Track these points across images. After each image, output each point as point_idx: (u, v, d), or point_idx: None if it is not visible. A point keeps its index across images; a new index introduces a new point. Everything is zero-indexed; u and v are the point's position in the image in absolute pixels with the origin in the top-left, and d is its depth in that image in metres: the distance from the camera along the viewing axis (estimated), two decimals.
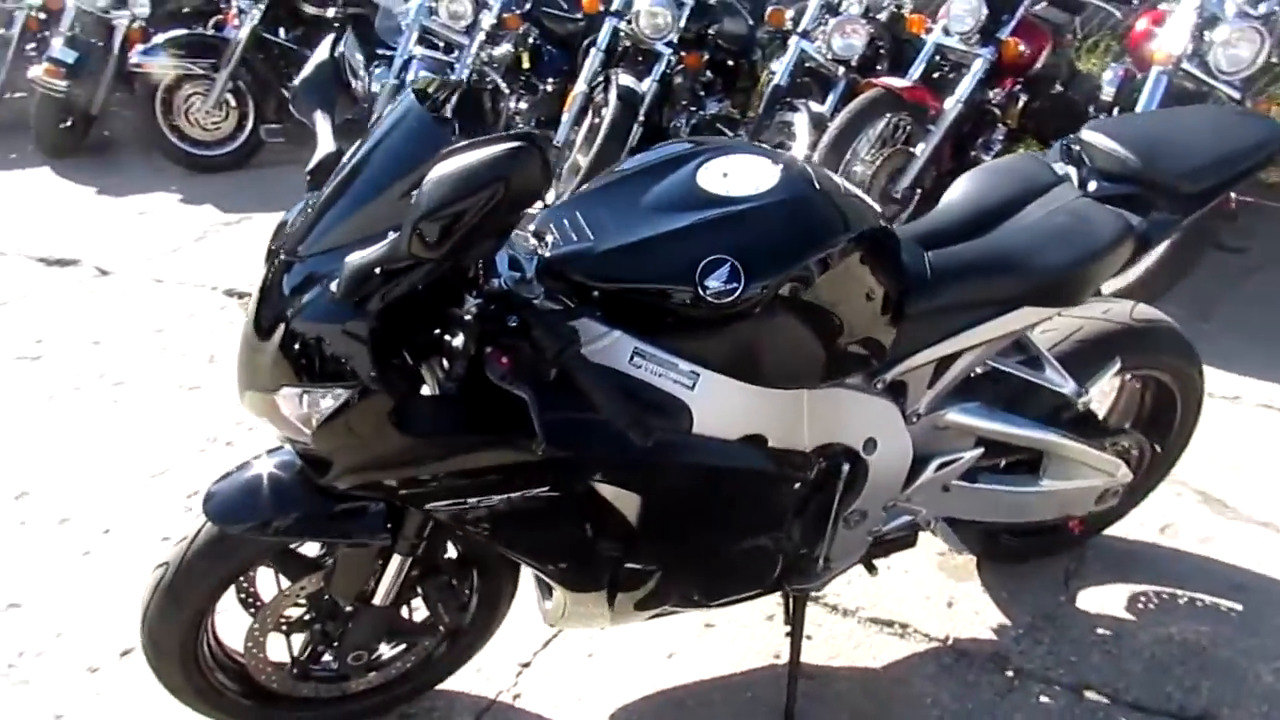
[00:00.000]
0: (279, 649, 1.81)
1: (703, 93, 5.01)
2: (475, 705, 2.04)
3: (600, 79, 4.50)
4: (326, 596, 1.72)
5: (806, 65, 4.37)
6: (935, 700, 2.06)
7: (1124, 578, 2.39)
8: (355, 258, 1.29)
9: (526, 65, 5.25)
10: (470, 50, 4.80)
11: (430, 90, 1.53)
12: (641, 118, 4.42)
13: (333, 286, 1.32)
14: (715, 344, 1.54)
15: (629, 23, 4.45)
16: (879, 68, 4.37)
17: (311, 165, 1.59)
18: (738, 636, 2.21)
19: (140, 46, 5.06)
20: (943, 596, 2.34)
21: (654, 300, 1.49)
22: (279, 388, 1.38)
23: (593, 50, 4.54)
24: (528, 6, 5.05)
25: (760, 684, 2.09)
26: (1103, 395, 2.37)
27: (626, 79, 4.33)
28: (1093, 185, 1.92)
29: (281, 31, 5.38)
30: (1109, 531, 2.48)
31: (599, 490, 1.57)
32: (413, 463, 1.43)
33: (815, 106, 4.13)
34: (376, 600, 1.71)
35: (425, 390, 1.45)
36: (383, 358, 1.34)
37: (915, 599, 2.33)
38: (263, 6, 5.05)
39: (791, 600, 2.01)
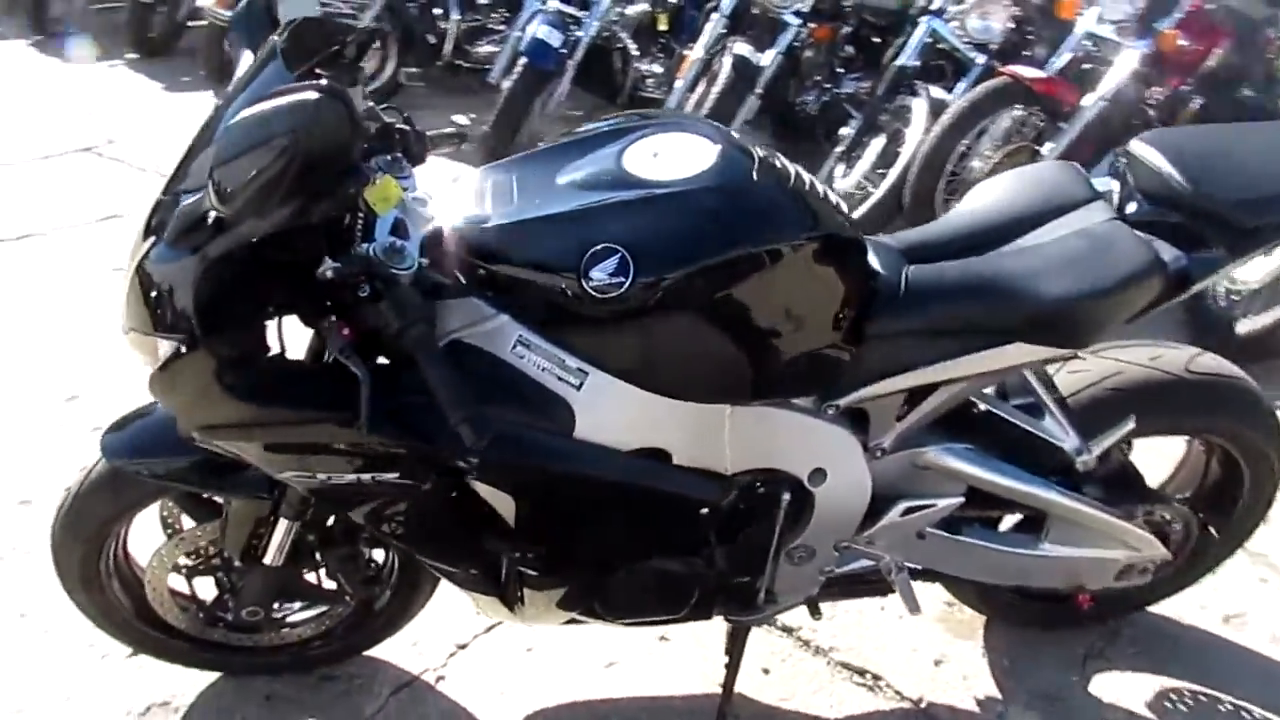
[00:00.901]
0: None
1: (841, 69, 4.71)
2: (397, 679, 1.96)
3: (720, 47, 4.27)
4: (220, 548, 1.67)
5: (939, 48, 3.99)
6: None
7: (1160, 668, 2.06)
8: (188, 203, 1.21)
9: (664, 28, 5.08)
10: (599, 7, 4.67)
11: (330, 32, 1.40)
12: (759, 91, 4.17)
13: None
14: (611, 343, 1.37)
15: None
16: (1027, 55, 3.96)
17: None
18: (690, 657, 2.04)
19: None
20: (932, 652, 2.08)
21: (539, 288, 1.34)
22: (129, 331, 1.32)
23: (714, 15, 4.32)
24: None
25: (697, 712, 1.91)
26: (1165, 458, 2.05)
27: (744, 48, 4.10)
28: (1131, 207, 1.61)
29: None
30: (1159, 609, 2.16)
31: (474, 486, 1.45)
32: (240, 426, 1.34)
33: (936, 92, 3.77)
34: (266, 560, 1.64)
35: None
36: (219, 311, 1.25)
37: (900, 649, 2.09)
38: None
39: (731, 630, 1.83)
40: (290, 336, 1.39)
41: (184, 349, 1.26)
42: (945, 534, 1.74)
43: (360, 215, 1.34)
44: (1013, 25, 3.89)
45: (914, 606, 1.75)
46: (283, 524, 1.60)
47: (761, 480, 1.59)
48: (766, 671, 2.03)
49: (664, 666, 2.02)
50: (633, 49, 4.88)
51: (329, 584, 1.78)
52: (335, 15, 5.13)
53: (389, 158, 1.40)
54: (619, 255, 1.30)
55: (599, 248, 1.30)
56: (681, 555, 1.59)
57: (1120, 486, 1.83)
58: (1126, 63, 3.45)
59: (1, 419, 2.68)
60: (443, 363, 1.23)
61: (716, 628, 2.03)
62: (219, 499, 1.66)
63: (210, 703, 1.90)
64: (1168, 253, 1.53)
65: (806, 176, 1.47)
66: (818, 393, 1.54)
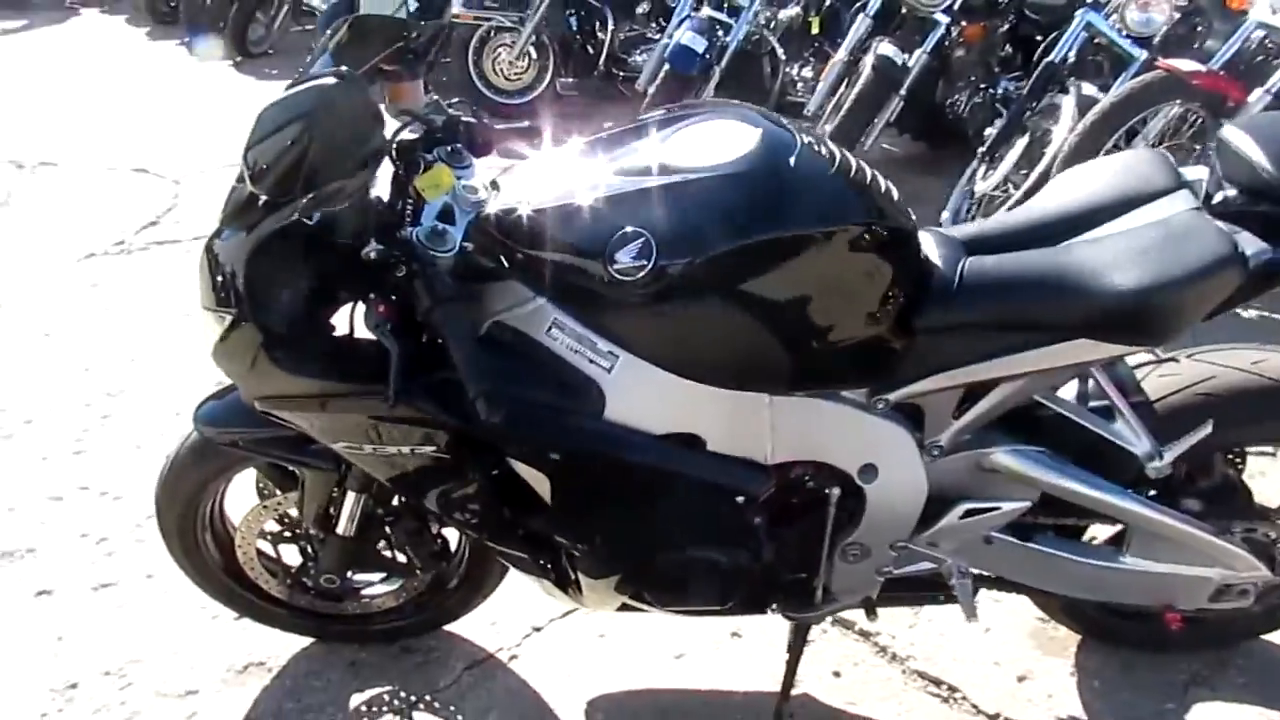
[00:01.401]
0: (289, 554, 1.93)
1: (998, 69, 4.54)
2: (471, 655, 2.04)
3: (865, 48, 4.20)
4: (298, 516, 1.80)
5: (1098, 43, 3.77)
6: None
7: (1271, 702, 1.88)
8: (239, 186, 1.32)
9: (816, 31, 5.04)
10: (747, 13, 4.68)
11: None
12: (904, 92, 4.07)
13: None
14: (640, 326, 1.39)
15: None
16: (1196, 49, 3.69)
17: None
18: (758, 654, 2.02)
19: None
20: (1017, 668, 1.98)
21: (570, 271, 1.38)
22: (202, 307, 1.45)
23: (860, 15, 4.25)
24: None
25: (757, 708, 1.89)
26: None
27: (888, 48, 4.01)
28: (1218, 197, 1.49)
29: None
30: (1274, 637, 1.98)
31: (514, 466, 1.50)
32: (290, 398, 1.44)
33: (1088, 89, 3.55)
34: (339, 530, 1.75)
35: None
36: (267, 287, 1.35)
37: (982, 662, 1.99)
38: None
39: (793, 627, 1.81)
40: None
41: (238, 322, 1.37)
42: (1015, 540, 1.67)
43: (409, 200, 1.42)
44: (1178, 17, 3.64)
45: (971, 613, 1.68)
46: (350, 496, 1.71)
47: (809, 474, 1.58)
48: (838, 675, 1.98)
49: (732, 661, 2.01)
50: (780, 53, 4.86)
51: (401, 558, 1.88)
52: (496, 27, 5.38)
53: (450, 149, 1.48)
54: (643, 239, 1.32)
55: (625, 232, 1.33)
56: (725, 545, 1.59)
57: (1216, 500, 1.70)
58: None
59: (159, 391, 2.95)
60: (468, 340, 1.29)
61: (779, 628, 2.03)
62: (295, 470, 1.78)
63: (300, 665, 2.03)
64: (1252, 245, 1.41)
65: (855, 164, 1.45)
66: (868, 386, 1.51)
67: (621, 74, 5.46)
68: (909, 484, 1.57)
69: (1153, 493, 1.66)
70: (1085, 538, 1.79)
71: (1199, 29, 3.71)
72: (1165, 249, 1.41)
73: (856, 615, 2.09)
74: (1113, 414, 1.57)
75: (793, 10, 4.91)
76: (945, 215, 3.81)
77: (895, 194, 1.47)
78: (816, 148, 1.42)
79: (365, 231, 1.37)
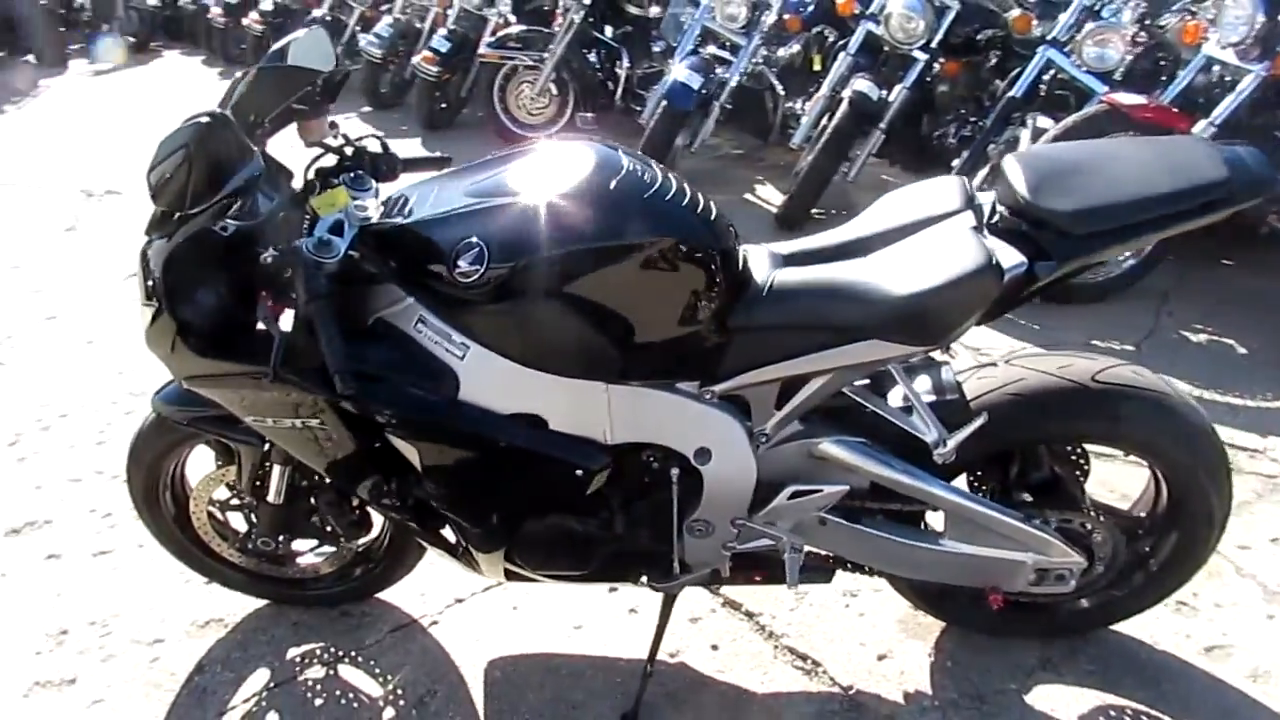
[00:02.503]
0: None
1: (988, 101, 4.70)
2: (398, 620, 2.32)
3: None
4: (237, 486, 2.10)
5: (1060, 78, 3.93)
6: None
7: (1110, 688, 2.04)
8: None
9: (818, 68, 5.26)
10: (746, 51, 4.93)
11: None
12: (884, 125, 4.28)
13: None
14: (484, 322, 1.66)
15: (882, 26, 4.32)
16: (1164, 82, 3.82)
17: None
18: (649, 628, 2.23)
19: (486, 39, 5.86)
20: (880, 647, 2.17)
21: (427, 275, 1.65)
22: (139, 303, 1.76)
23: (842, 54, 4.47)
24: (810, 9, 5.05)
25: (635, 671, 2.11)
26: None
27: (862, 84, 4.22)
28: (994, 217, 1.70)
29: (608, 30, 5.88)
30: (1140, 634, 2.14)
31: (391, 440, 1.77)
32: (205, 377, 1.73)
33: (1043, 122, 3.72)
34: (269, 498, 2.05)
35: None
36: (178, 284, 1.65)
37: (849, 641, 2.19)
38: (586, 4, 5.57)
39: (663, 598, 2.04)
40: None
41: (159, 314, 1.67)
42: (844, 522, 1.87)
43: (308, 215, 1.72)
44: (1139, 51, 3.78)
45: (794, 582, 1.88)
46: (276, 468, 2.00)
47: (651, 455, 1.81)
48: (715, 648, 2.20)
49: (624, 633, 2.25)
50: (779, 89, 5.10)
51: (328, 527, 2.16)
52: (520, 65, 5.72)
53: (354, 174, 1.79)
54: (478, 248, 1.59)
55: (466, 242, 1.60)
56: (577, 515, 1.83)
57: (1037, 491, 1.89)
58: (1243, 87, 3.29)
59: None
60: (331, 329, 1.56)
61: (678, 606, 2.26)
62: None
63: (251, 623, 2.33)
64: (1012, 258, 1.61)
65: (676, 187, 1.69)
66: (697, 379, 1.75)
67: (638, 108, 5.75)
68: (740, 466, 1.79)
69: (967, 480, 1.86)
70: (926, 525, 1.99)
71: (1162, 64, 3.84)
72: (932, 261, 1.62)
73: (744, 597, 2.34)
74: (912, 408, 1.77)
75: (793, 48, 5.15)
76: None
77: (714, 213, 1.72)
78: (642, 174, 1.67)
79: (268, 241, 1.66)
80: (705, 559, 1.93)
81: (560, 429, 1.73)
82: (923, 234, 1.71)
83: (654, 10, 5.81)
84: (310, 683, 2.16)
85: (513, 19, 6.17)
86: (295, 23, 7.86)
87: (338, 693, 2.13)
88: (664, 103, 4.68)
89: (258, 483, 2.06)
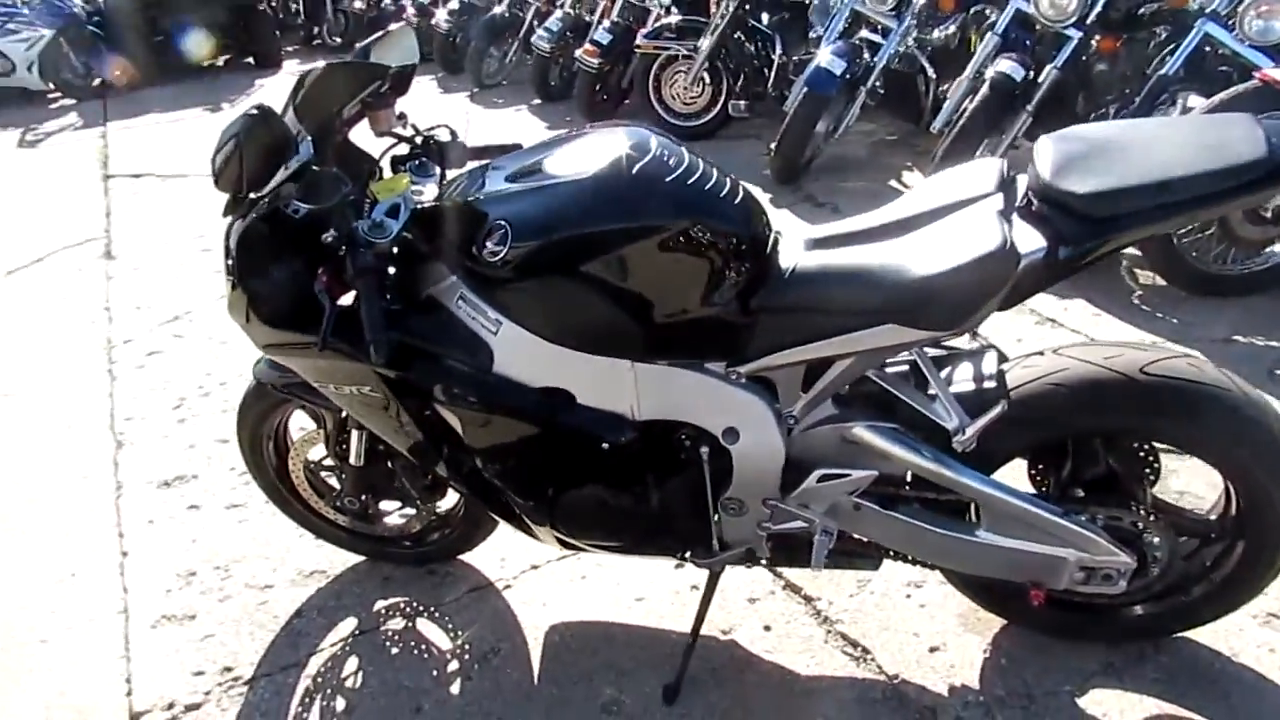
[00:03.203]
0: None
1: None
2: (476, 581, 2.47)
3: None
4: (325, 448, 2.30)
5: (1221, 53, 3.62)
6: None
7: (1177, 697, 1.93)
8: None
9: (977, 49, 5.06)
10: (895, 34, 4.82)
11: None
12: (1031, 107, 4.09)
13: None
14: (514, 299, 1.76)
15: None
16: None
17: None
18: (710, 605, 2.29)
19: (643, 30, 5.97)
20: (934, 639, 2.13)
21: (463, 255, 1.77)
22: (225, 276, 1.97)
23: (989, 34, 4.28)
24: None
25: (684, 643, 2.17)
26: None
27: (1005, 64, 4.03)
28: (1022, 200, 1.64)
29: (764, 17, 5.86)
30: (1218, 643, 2.01)
31: (440, 411, 1.90)
32: (279, 346, 1.91)
33: (1193, 100, 3.44)
34: (350, 460, 2.24)
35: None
36: (248, 260, 1.84)
37: (903, 631, 2.17)
38: None
39: (709, 575, 2.09)
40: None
41: (234, 286, 1.87)
42: (878, 508, 1.86)
43: (368, 199, 1.87)
44: None
45: (819, 564, 1.88)
46: (354, 432, 2.18)
47: (681, 433, 1.86)
48: (768, 628, 2.23)
49: (684, 608, 2.30)
50: (931, 72, 4.95)
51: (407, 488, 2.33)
52: (675, 55, 5.81)
53: (418, 162, 1.94)
54: (503, 229, 1.69)
55: (495, 222, 1.71)
56: (609, 487, 1.91)
57: (1091, 486, 1.81)
58: None
59: None
60: (373, 301, 1.70)
61: (738, 585, 2.30)
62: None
63: (349, 575, 2.55)
64: (1032, 243, 1.55)
65: (702, 171, 1.73)
66: (724, 360, 1.79)
67: (790, 95, 5.71)
68: (768, 447, 1.82)
69: (1028, 472, 1.81)
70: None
71: None
72: (948, 245, 1.59)
73: (804, 581, 2.34)
74: (934, 393, 1.74)
75: (949, 29, 4.98)
76: None
77: (740, 197, 1.75)
78: (667, 159, 1.72)
79: (334, 223, 1.83)
80: (742, 537, 1.97)
81: (587, 403, 1.81)
82: (949, 218, 1.67)
83: None
84: (390, 633, 2.34)
85: (674, 9, 6.25)
86: (477, 20, 8.26)
87: (412, 644, 2.30)
88: (805, 89, 4.65)
89: (341, 445, 2.25)
